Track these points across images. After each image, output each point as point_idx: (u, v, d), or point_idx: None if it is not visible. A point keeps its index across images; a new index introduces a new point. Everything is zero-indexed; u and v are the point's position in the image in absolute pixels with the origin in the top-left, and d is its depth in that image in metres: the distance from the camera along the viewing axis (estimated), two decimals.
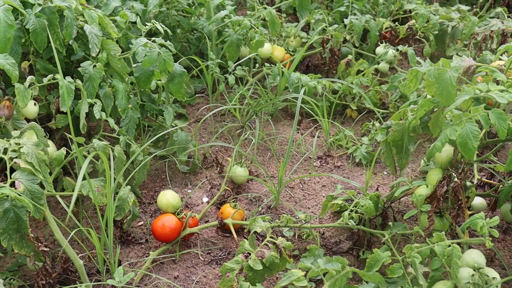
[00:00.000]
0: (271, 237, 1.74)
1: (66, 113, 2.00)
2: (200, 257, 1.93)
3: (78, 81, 1.91)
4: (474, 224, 1.43)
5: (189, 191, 2.26)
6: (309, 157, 2.47)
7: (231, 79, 2.57)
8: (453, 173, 1.62)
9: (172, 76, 2.19)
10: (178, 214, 1.94)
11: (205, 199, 2.22)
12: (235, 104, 2.53)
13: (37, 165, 1.70)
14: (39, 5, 1.93)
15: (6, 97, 1.90)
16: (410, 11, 3.12)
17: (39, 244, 1.66)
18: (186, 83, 2.71)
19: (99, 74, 2.02)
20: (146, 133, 2.36)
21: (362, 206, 1.82)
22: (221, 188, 2.14)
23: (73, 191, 1.91)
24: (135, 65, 2.17)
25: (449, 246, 1.43)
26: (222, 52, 2.69)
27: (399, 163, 1.85)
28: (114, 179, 1.84)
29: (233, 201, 2.03)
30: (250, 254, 1.68)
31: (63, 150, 1.86)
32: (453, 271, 1.41)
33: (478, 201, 1.96)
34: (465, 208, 1.59)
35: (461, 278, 1.43)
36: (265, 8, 2.94)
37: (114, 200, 1.89)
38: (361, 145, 2.45)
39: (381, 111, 2.59)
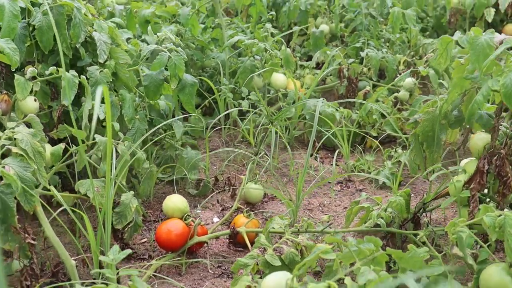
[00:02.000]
0: (290, 236, 1.54)
1: (68, 123, 1.88)
2: (209, 270, 1.72)
3: (83, 77, 1.79)
4: None
5: (199, 211, 2.07)
6: (329, 182, 2.29)
7: (244, 103, 2.45)
8: (496, 146, 1.43)
9: (183, 86, 2.07)
10: (185, 220, 1.74)
11: (215, 219, 2.02)
12: (248, 130, 2.39)
13: (31, 153, 1.54)
14: (47, 4, 1.86)
15: (4, 92, 1.79)
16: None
17: (26, 235, 1.46)
18: (198, 118, 2.58)
19: (106, 79, 1.91)
20: (153, 153, 2.21)
21: (393, 204, 1.62)
22: (233, 206, 1.96)
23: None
24: (144, 74, 2.06)
25: (500, 216, 1.23)
26: (236, 79, 2.59)
27: (430, 159, 1.67)
28: (115, 182, 1.68)
29: (247, 211, 1.84)
30: (266, 249, 1.48)
31: (62, 145, 1.71)
32: (507, 244, 1.20)
33: None
34: None
35: None
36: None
37: (115, 207, 1.72)
38: (384, 168, 2.27)
39: (403, 136, 2.43)
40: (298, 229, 1.66)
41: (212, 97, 2.54)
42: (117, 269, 1.25)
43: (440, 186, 1.70)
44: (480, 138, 1.58)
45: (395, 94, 2.62)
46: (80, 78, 1.78)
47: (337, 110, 2.47)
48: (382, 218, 1.62)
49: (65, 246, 1.56)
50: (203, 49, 2.90)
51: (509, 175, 1.39)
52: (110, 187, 1.52)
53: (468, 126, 1.64)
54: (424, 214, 1.75)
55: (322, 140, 2.40)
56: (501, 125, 1.54)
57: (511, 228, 1.20)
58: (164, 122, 2.07)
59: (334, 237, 1.22)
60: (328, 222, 1.69)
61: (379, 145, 2.49)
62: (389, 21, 2.96)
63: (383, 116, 2.56)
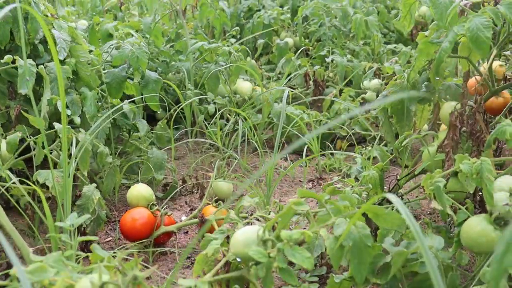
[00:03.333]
0: (261, 213, 1.47)
1: (26, 125, 1.80)
2: (178, 260, 1.63)
3: (41, 67, 1.73)
4: (502, 133, 1.20)
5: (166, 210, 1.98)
6: (300, 181, 2.23)
7: (211, 107, 2.40)
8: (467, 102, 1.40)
9: (146, 82, 2.02)
10: (151, 209, 1.66)
11: (183, 218, 1.93)
12: (215, 134, 2.33)
13: None
14: None
15: None
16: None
17: None
18: (163, 127, 2.52)
19: (66, 74, 1.85)
20: (118, 154, 2.13)
21: (366, 178, 1.57)
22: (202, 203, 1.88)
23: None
24: (105, 71, 2.01)
25: (476, 162, 1.19)
26: (200, 84, 2.54)
27: (401, 132, 1.63)
28: (76, 171, 1.60)
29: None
30: (236, 224, 1.40)
31: (18, 133, 1.63)
32: (485, 190, 1.16)
33: None
34: (487, 135, 1.36)
35: (497, 201, 1.17)
36: None
37: (76, 200, 1.64)
38: (355, 164, 2.22)
39: (374, 132, 2.40)
40: (270, 211, 1.59)
41: (179, 105, 2.48)
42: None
43: (414, 160, 1.66)
44: (450, 106, 1.55)
45: (362, 95, 2.60)
46: (38, 68, 1.72)
47: (304, 112, 2.44)
48: (356, 194, 1.57)
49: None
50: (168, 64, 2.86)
51: (482, 130, 1.35)
52: (68, 168, 1.44)
53: (437, 99, 1.62)
54: (400, 191, 1.70)
55: (296, 144, 2.35)
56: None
57: (489, 172, 1.16)
58: (128, 122, 2.00)
59: (307, 191, 1.15)
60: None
61: (353, 145, 2.46)
62: (352, 28, 2.98)
63: (350, 118, 2.54)
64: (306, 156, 2.30)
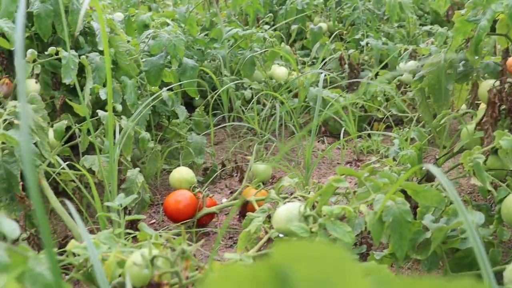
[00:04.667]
0: (301, 193, 1.50)
1: (69, 111, 1.86)
2: (221, 241, 1.67)
3: (83, 57, 1.78)
4: None
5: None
6: (338, 163, 2.25)
7: (247, 93, 2.43)
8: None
9: (183, 69, 2.06)
10: (193, 191, 1.70)
11: (224, 200, 1.98)
12: (252, 118, 2.36)
13: (33, 127, 1.53)
14: None
15: (5, 75, 1.78)
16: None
17: (31, 202, 1.43)
18: (201, 113, 2.56)
19: (108, 64, 1.90)
20: (158, 141, 2.18)
21: (404, 158, 1.58)
22: (242, 185, 1.92)
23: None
24: (144, 60, 2.06)
25: None
26: (236, 70, 2.58)
27: (439, 112, 1.64)
28: (119, 156, 1.65)
29: (256, 183, 1.80)
30: (277, 204, 1.43)
31: (64, 121, 1.69)
32: None
33: None
34: None
35: None
36: None
37: (121, 184, 1.69)
38: (393, 145, 2.22)
39: (411, 114, 2.40)
40: (309, 191, 1.62)
41: (216, 92, 2.52)
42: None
43: (452, 140, 1.67)
44: (488, 85, 1.55)
45: (399, 77, 2.60)
46: (80, 58, 1.77)
47: (340, 95, 2.45)
48: (395, 173, 1.58)
49: None
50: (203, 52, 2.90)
51: None
52: (114, 152, 1.49)
53: (475, 78, 1.62)
54: None
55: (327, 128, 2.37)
56: None
57: None
58: (167, 109, 2.05)
59: (347, 168, 1.18)
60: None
61: (390, 127, 2.46)
62: (386, 11, 2.97)
63: (387, 100, 2.55)
64: (345, 140, 2.32)
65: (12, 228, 0.71)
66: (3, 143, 1.41)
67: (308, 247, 0.29)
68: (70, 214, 1.52)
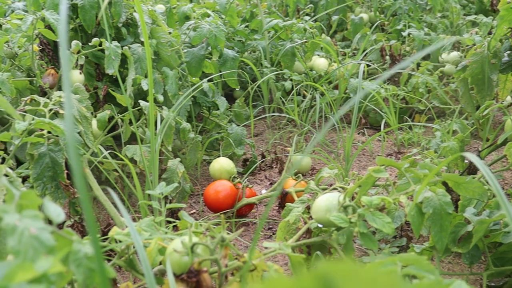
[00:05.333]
0: (340, 184, 1.49)
1: (112, 101, 1.90)
2: (260, 232, 1.68)
3: (125, 48, 1.81)
4: None
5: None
6: (378, 155, 2.24)
7: (287, 84, 2.43)
8: None
9: (224, 60, 2.07)
10: (232, 181, 1.71)
11: (264, 191, 1.99)
12: (292, 110, 2.36)
13: (78, 116, 1.56)
14: None
15: (50, 66, 1.82)
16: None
17: (75, 191, 1.46)
18: (241, 104, 2.57)
19: (149, 55, 1.93)
20: (198, 132, 2.20)
21: (445, 150, 1.56)
22: (282, 176, 1.92)
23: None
24: (185, 51, 2.08)
25: None
26: (276, 61, 2.58)
27: (482, 103, 1.61)
28: (161, 146, 1.67)
29: (295, 174, 1.80)
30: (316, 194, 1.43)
31: (107, 111, 1.72)
32: None
33: None
34: None
35: None
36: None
37: (162, 174, 1.72)
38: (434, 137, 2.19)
39: (453, 106, 2.36)
40: (349, 183, 1.61)
41: (256, 83, 2.52)
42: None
43: (496, 132, 1.63)
44: None
45: (441, 69, 2.56)
46: (122, 49, 1.80)
47: (381, 87, 2.42)
48: (436, 165, 1.56)
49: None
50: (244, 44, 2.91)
51: None
52: (155, 142, 1.51)
53: None
54: None
55: (367, 120, 2.35)
56: None
57: None
58: (207, 100, 2.07)
59: (387, 159, 1.17)
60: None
61: (432, 119, 2.42)
62: (428, 1, 2.92)
63: (429, 92, 2.51)
64: (385, 132, 2.30)
65: (57, 212, 0.73)
66: (49, 132, 1.44)
67: (359, 268, 0.29)
68: (112, 202, 1.56)
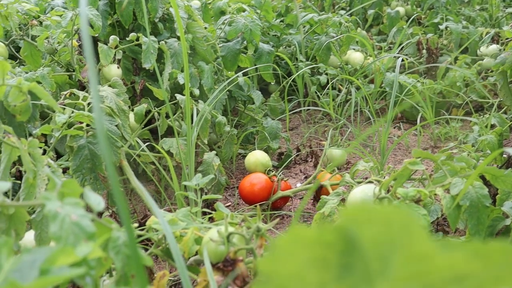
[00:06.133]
0: (376, 177, 1.48)
1: (149, 95, 1.93)
2: (294, 221, 1.68)
3: (162, 42, 1.83)
4: None
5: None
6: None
7: (323, 78, 2.42)
8: None
9: (259, 54, 2.08)
10: (267, 174, 1.72)
11: (298, 185, 1.99)
12: (328, 104, 2.36)
13: (116, 110, 1.59)
14: None
15: None
16: None
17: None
18: (276, 99, 2.58)
19: (184, 50, 1.95)
20: (234, 126, 2.21)
21: (483, 143, 1.54)
22: (316, 170, 1.92)
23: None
24: (221, 45, 2.09)
25: None
26: (311, 56, 2.57)
27: None
28: (196, 140, 1.69)
29: (330, 167, 1.80)
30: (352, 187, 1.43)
31: (144, 105, 1.75)
32: None
33: None
34: None
35: None
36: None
37: (197, 167, 1.74)
38: (472, 132, 2.16)
39: (492, 100, 2.32)
40: (384, 176, 1.60)
41: (291, 77, 2.52)
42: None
43: None
44: None
45: (479, 62, 2.51)
46: (159, 44, 1.83)
47: (418, 81, 2.40)
48: (473, 159, 1.54)
49: None
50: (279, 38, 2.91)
51: None
52: (191, 135, 1.53)
53: None
54: None
55: (403, 114, 2.32)
56: None
57: None
58: (243, 94, 2.08)
59: (423, 151, 1.16)
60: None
61: (470, 113, 2.39)
62: None
63: (467, 85, 2.47)
64: (421, 126, 2.28)
65: (97, 201, 0.75)
66: (87, 125, 1.47)
67: (374, 210, 0.30)
68: (152, 195, 1.58)
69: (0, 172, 1.12)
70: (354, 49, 2.71)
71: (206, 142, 1.78)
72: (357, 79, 2.38)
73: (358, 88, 2.41)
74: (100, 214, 1.51)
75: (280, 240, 0.30)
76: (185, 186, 1.39)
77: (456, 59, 2.69)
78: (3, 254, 0.58)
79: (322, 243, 0.30)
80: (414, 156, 1.20)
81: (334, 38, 2.46)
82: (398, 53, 2.70)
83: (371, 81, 2.57)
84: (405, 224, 0.29)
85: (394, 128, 2.45)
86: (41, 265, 0.56)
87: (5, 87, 1.09)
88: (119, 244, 0.75)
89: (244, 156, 2.22)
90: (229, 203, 1.89)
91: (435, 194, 1.16)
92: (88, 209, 0.76)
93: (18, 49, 2.21)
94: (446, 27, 2.74)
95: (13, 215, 0.94)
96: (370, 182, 1.47)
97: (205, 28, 2.31)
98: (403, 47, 2.83)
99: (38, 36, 1.97)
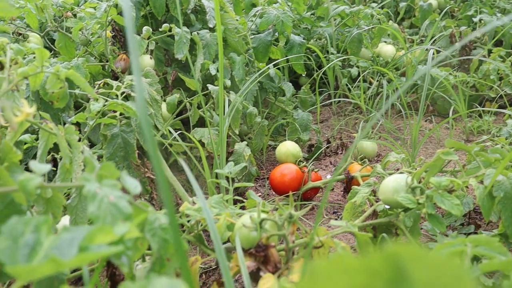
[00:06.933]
0: (407, 169, 1.48)
1: (180, 86, 1.95)
2: (325, 215, 1.69)
3: (194, 33, 1.85)
4: None
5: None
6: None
7: (354, 71, 2.41)
8: None
9: (291, 46, 2.08)
10: (298, 165, 1.73)
11: (328, 176, 1.99)
12: (358, 97, 2.35)
13: (148, 99, 1.61)
14: None
15: (123, 51, 1.88)
16: None
17: (146, 170, 1.51)
18: (307, 91, 2.58)
19: (216, 41, 1.96)
20: (264, 118, 2.22)
21: None
22: (347, 162, 1.91)
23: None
24: (252, 36, 2.10)
25: None
26: (342, 48, 2.56)
27: None
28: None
29: (361, 159, 1.79)
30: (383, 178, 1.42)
31: (177, 95, 1.77)
32: None
33: None
34: None
35: None
36: None
37: (228, 157, 1.75)
38: (506, 125, 2.13)
39: None
40: (416, 168, 1.59)
41: (322, 69, 2.52)
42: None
43: None
44: None
45: None
46: (191, 35, 1.84)
47: (450, 74, 2.37)
48: (507, 151, 1.52)
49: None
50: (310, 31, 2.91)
51: None
52: (223, 125, 1.54)
53: None
54: None
55: (434, 108, 2.30)
56: None
57: None
58: (274, 85, 2.09)
59: (456, 141, 1.15)
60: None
61: (504, 107, 2.36)
62: None
63: (501, 79, 2.44)
64: (453, 119, 2.25)
65: (134, 185, 0.76)
66: (121, 114, 1.49)
67: (429, 254, 0.29)
68: (184, 185, 1.60)
69: (37, 157, 1.15)
70: (385, 41, 2.69)
71: (237, 132, 1.79)
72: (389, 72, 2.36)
73: (389, 81, 2.39)
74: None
75: (321, 264, 0.29)
76: (216, 175, 1.40)
77: (490, 52, 2.65)
78: (42, 232, 0.59)
79: (367, 271, 0.29)
80: (447, 147, 1.19)
81: (366, 29, 2.44)
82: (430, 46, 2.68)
83: (403, 74, 2.55)
84: (458, 275, 0.29)
85: (426, 121, 2.43)
86: (80, 243, 0.57)
87: (43, 74, 1.11)
88: (155, 227, 0.77)
89: (274, 148, 2.23)
90: (260, 194, 1.89)
91: (467, 187, 1.15)
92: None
93: (52, 41, 2.25)
94: (480, 20, 2.71)
95: (50, 199, 0.96)
96: (401, 173, 1.46)
97: (236, 20, 2.32)
98: (435, 40, 2.80)
99: (72, 27, 2.01)
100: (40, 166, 0.76)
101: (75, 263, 0.56)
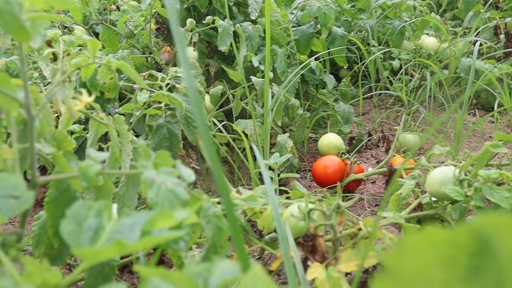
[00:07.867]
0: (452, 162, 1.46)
1: (223, 78, 1.97)
2: (367, 208, 1.68)
3: (237, 25, 1.86)
4: None
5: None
6: (490, 137, 2.17)
7: (395, 63, 2.39)
8: None
9: (333, 38, 2.08)
10: (340, 157, 1.73)
11: (370, 169, 1.98)
12: (400, 89, 2.33)
13: None
14: None
15: (167, 44, 1.91)
16: None
17: (190, 160, 1.54)
18: (347, 84, 2.57)
19: (258, 33, 1.97)
20: (305, 110, 2.22)
21: None
22: (389, 154, 1.91)
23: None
24: (294, 29, 2.10)
25: None
26: (384, 41, 2.54)
27: None
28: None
29: (403, 151, 1.78)
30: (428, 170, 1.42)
31: (220, 87, 1.79)
32: None
33: None
34: None
35: None
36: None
37: (271, 148, 1.76)
38: None
39: None
40: (460, 161, 1.58)
41: (363, 62, 2.50)
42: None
43: None
44: None
45: None
46: (234, 27, 1.85)
47: (495, 66, 2.33)
48: None
49: None
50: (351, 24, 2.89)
51: None
52: (267, 116, 1.55)
53: None
54: None
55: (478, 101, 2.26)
56: None
57: None
58: (315, 78, 2.09)
59: (506, 134, 1.14)
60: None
61: None
62: None
63: None
64: (498, 113, 2.22)
65: (189, 173, 0.78)
66: (166, 104, 1.52)
67: None
68: (227, 176, 1.62)
69: (87, 146, 1.17)
70: (427, 34, 2.66)
71: (279, 124, 1.80)
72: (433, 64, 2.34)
73: (431, 74, 2.37)
74: None
75: (410, 237, 0.30)
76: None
77: None
78: (105, 216, 0.61)
79: (452, 243, 0.29)
80: (496, 139, 1.18)
81: (408, 22, 2.42)
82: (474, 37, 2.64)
83: (445, 67, 2.52)
84: None
85: (469, 114, 2.40)
86: (142, 227, 0.59)
87: (94, 65, 1.13)
88: (209, 214, 0.78)
89: (315, 140, 2.23)
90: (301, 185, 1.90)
91: None
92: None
93: (95, 34, 2.29)
94: None
95: (101, 187, 0.99)
96: (446, 166, 1.45)
97: (277, 12, 2.32)
98: (479, 32, 2.75)
99: (116, 20, 2.04)
100: (98, 154, 0.79)
101: (138, 246, 0.57)
